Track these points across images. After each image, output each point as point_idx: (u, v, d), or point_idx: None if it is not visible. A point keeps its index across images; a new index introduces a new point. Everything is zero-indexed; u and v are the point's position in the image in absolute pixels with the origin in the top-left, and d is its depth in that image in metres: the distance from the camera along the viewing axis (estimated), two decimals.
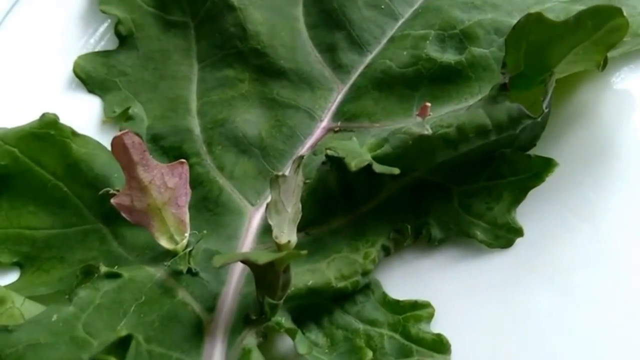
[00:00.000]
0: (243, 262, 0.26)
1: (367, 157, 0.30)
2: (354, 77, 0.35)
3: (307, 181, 0.29)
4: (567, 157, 0.32)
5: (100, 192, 0.31)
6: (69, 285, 0.30)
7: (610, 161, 0.33)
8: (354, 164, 0.29)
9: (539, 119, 0.29)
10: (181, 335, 0.28)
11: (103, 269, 0.29)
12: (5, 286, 0.30)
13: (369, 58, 0.35)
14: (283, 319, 0.29)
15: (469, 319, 0.30)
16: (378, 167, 0.30)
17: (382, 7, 0.36)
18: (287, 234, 0.28)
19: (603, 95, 0.34)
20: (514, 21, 0.31)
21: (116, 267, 0.30)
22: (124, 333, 0.27)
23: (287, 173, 0.29)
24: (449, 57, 0.33)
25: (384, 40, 0.36)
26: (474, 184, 0.31)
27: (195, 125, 0.35)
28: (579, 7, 0.32)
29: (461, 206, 0.31)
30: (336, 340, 0.30)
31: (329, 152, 0.31)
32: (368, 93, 0.34)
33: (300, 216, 0.29)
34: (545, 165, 0.31)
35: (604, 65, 0.27)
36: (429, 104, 0.29)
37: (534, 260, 0.31)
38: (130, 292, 0.29)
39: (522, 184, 0.31)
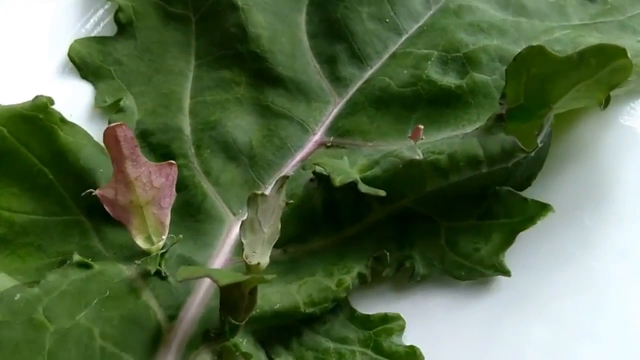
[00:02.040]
0: (209, 277, 0.25)
1: (353, 176, 0.29)
2: (351, 91, 0.34)
3: (290, 202, 0.28)
4: (566, 194, 0.31)
5: (83, 194, 0.30)
6: (38, 276, 0.29)
7: (609, 200, 0.31)
8: (338, 180, 0.28)
9: (532, 154, 0.27)
10: (137, 339, 0.27)
11: (76, 257, 0.29)
12: None
13: (368, 73, 0.34)
14: (244, 340, 0.28)
15: (442, 330, 0.30)
16: (364, 188, 0.28)
17: (387, 20, 0.35)
18: (259, 255, 0.27)
19: (605, 132, 0.33)
20: (519, 50, 0.30)
21: (90, 259, 0.29)
22: (83, 324, 0.27)
23: (270, 188, 0.28)
24: (450, 80, 0.32)
25: (386, 56, 0.34)
26: (464, 221, 0.30)
27: (186, 124, 0.34)
28: (590, 40, 0.31)
29: (448, 243, 0.30)
30: None
31: (317, 168, 0.30)
32: (364, 110, 0.33)
33: (277, 237, 0.28)
34: (540, 210, 0.29)
35: (606, 103, 0.26)
36: (421, 127, 0.28)
37: (524, 292, 0.30)
38: (97, 284, 0.28)
39: (513, 227, 0.29)
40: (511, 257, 0.30)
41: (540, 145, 0.27)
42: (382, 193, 0.28)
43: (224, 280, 0.25)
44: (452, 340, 0.30)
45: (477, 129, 0.28)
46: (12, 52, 0.37)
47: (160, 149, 0.33)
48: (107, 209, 0.29)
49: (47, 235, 0.31)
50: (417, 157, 0.28)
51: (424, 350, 0.29)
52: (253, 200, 0.27)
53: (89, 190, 0.29)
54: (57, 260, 0.30)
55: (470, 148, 0.27)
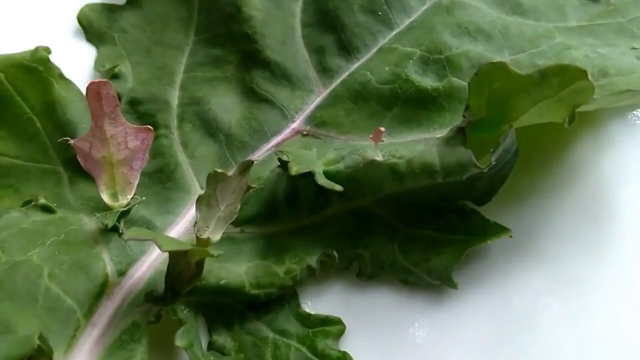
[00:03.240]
0: (154, 241, 0.26)
1: (312, 167, 0.29)
2: (336, 83, 0.34)
3: (254, 187, 0.28)
4: (561, 214, 0.31)
5: (60, 140, 0.31)
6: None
7: (606, 223, 0.31)
8: (295, 170, 0.29)
9: (488, 171, 0.27)
10: (82, 286, 0.28)
11: (41, 200, 0.30)
12: None
13: (355, 66, 0.34)
14: (186, 310, 0.29)
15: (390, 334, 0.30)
16: (321, 181, 0.29)
17: (379, 14, 0.34)
18: (212, 231, 0.28)
19: (604, 152, 0.32)
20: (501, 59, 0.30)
21: (56, 205, 0.31)
22: (34, 261, 0.28)
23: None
24: (427, 82, 0.32)
25: (374, 50, 0.34)
26: (421, 230, 0.30)
27: (174, 98, 0.34)
28: (575, 56, 0.31)
29: (401, 250, 0.30)
30: (244, 346, 0.29)
31: (281, 155, 0.30)
32: (343, 103, 0.33)
33: (235, 217, 0.28)
34: (497, 232, 0.29)
35: (570, 121, 0.25)
36: (382, 129, 0.28)
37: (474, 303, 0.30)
38: (57, 228, 0.30)
39: (465, 243, 0.29)
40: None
41: (494, 163, 0.27)
42: (339, 188, 0.28)
43: (167, 246, 0.25)
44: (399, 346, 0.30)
45: (439, 138, 0.28)
46: (29, 10, 0.39)
47: (146, 118, 0.34)
48: (80, 160, 0.30)
49: (26, 179, 0.32)
50: (378, 159, 0.28)
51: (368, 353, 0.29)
52: (213, 178, 0.27)
53: (65, 139, 0.30)
54: (28, 200, 0.31)
55: (428, 157, 0.27)
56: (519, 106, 0.26)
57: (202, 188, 0.32)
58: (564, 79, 0.24)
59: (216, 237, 0.28)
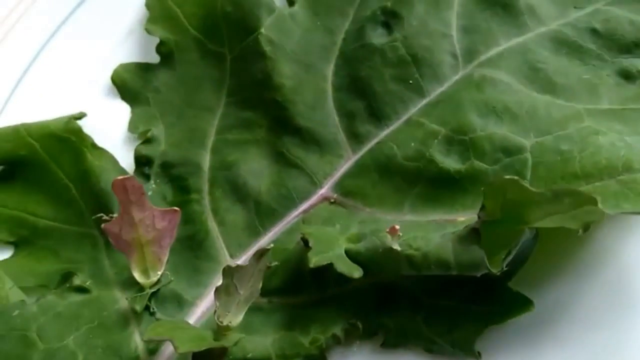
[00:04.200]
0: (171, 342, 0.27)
1: (331, 254, 0.30)
2: (365, 148, 0.34)
3: (274, 264, 0.29)
4: (583, 296, 0.31)
5: (94, 217, 0.33)
6: (52, 283, 0.33)
7: (628, 308, 0.31)
8: (314, 261, 0.29)
9: (497, 274, 0.27)
10: None
11: (77, 280, 0.32)
12: None
13: (384, 133, 0.34)
14: None
15: None
16: (340, 268, 0.29)
17: (410, 82, 0.34)
18: (232, 315, 0.29)
19: (626, 238, 0.32)
20: (526, 143, 0.30)
21: (89, 282, 0.32)
22: (70, 347, 0.30)
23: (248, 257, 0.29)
24: (450, 163, 0.32)
25: (404, 117, 0.34)
26: (445, 301, 0.30)
27: (205, 161, 0.35)
28: (601, 142, 0.30)
29: (425, 321, 0.31)
30: None
31: (303, 236, 0.31)
32: (369, 173, 0.33)
33: (257, 295, 0.30)
34: (519, 306, 0.29)
35: (584, 229, 0.25)
36: (397, 227, 0.28)
37: None
38: (91, 310, 0.31)
39: (487, 316, 0.30)
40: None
41: (505, 269, 0.27)
42: (357, 275, 0.29)
43: (182, 347, 0.27)
44: None
45: (454, 233, 0.28)
46: (66, 72, 0.39)
47: (177, 181, 0.35)
48: (111, 240, 0.32)
49: (63, 241, 0.34)
50: (395, 248, 0.29)
51: None
52: (227, 272, 0.28)
53: (100, 215, 0.32)
54: (64, 272, 0.33)
55: (443, 253, 0.28)
56: (532, 215, 0.26)
57: (231, 257, 0.33)
58: (575, 201, 0.24)
59: (236, 320, 0.29)
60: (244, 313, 0.29)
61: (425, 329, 0.31)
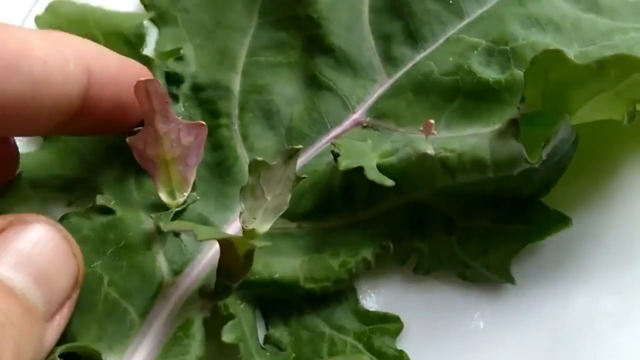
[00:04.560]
0: (192, 232, 0.26)
1: (363, 161, 0.28)
2: (400, 72, 0.32)
3: (303, 177, 0.28)
4: (625, 211, 0.29)
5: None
6: (73, 191, 0.32)
7: None
8: (344, 164, 0.28)
9: (536, 166, 0.25)
10: (139, 289, 0.29)
11: (100, 200, 0.31)
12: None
13: (420, 55, 0.32)
14: (240, 303, 0.29)
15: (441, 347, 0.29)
16: (371, 175, 0.28)
17: (450, 2, 0.32)
18: (258, 222, 0.27)
19: None
20: (570, 52, 0.27)
21: (113, 202, 0.31)
22: (97, 271, 0.29)
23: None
24: (490, 74, 0.30)
25: (442, 39, 0.32)
26: (478, 221, 0.29)
27: (236, 84, 0.34)
28: None
29: (459, 242, 0.29)
30: (300, 341, 0.29)
31: (333, 148, 0.29)
32: (404, 94, 0.32)
33: (285, 209, 0.28)
34: (557, 222, 0.28)
35: (630, 118, 0.23)
36: (432, 121, 0.27)
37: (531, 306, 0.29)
38: (116, 233, 0.30)
39: (524, 237, 0.28)
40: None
41: (544, 158, 0.25)
42: (390, 183, 0.27)
43: (202, 235, 0.25)
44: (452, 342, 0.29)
45: (492, 131, 0.26)
46: None
47: (207, 105, 0.34)
48: (136, 158, 0.31)
49: (94, 148, 0.33)
50: (429, 152, 0.27)
51: (421, 347, 0.28)
52: (254, 167, 0.27)
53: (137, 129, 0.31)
54: (87, 183, 0.32)
55: (479, 151, 0.26)
56: (575, 98, 0.24)
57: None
58: (622, 70, 0.22)
59: (264, 228, 0.28)
60: (271, 222, 0.28)
61: (459, 251, 0.29)
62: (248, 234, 0.27)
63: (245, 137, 0.33)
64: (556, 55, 0.23)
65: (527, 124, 0.25)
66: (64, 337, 0.26)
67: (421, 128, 0.27)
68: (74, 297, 0.26)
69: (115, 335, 0.27)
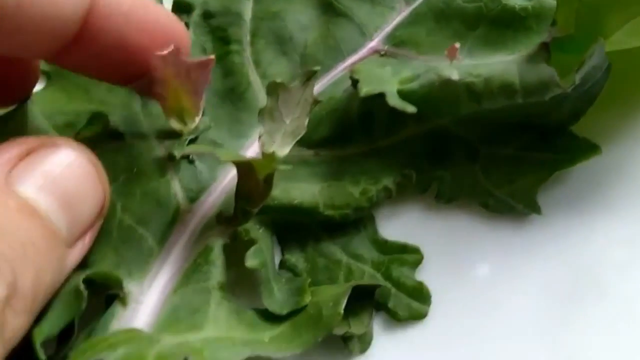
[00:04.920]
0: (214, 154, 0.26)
1: (384, 87, 0.27)
2: (419, 0, 0.32)
3: (319, 100, 0.27)
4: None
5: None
6: (80, 123, 0.31)
7: None
8: (364, 90, 0.27)
9: (569, 91, 0.25)
10: (155, 215, 0.28)
11: (110, 126, 0.30)
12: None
13: None
14: (260, 229, 0.28)
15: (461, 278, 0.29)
16: (392, 101, 0.27)
17: None
18: (277, 146, 0.27)
19: None
20: None
21: (124, 126, 0.30)
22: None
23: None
24: (516, 0, 0.29)
25: None
26: (503, 149, 0.29)
27: (247, 10, 0.33)
28: None
29: (483, 170, 0.29)
30: (316, 268, 0.29)
31: (352, 74, 0.29)
32: (425, 22, 0.31)
33: (303, 132, 0.28)
34: (586, 150, 0.27)
35: None
36: (457, 45, 0.26)
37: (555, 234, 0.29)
38: (126, 158, 0.29)
39: (553, 164, 0.28)
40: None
41: (578, 83, 0.24)
42: (412, 109, 0.27)
43: (225, 157, 0.25)
44: (473, 273, 0.29)
45: (521, 55, 0.26)
46: None
47: (217, 32, 0.33)
48: (142, 94, 0.30)
49: (98, 81, 0.31)
50: (453, 77, 0.26)
51: (440, 278, 0.28)
52: (273, 88, 0.26)
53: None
54: (93, 113, 0.30)
55: (507, 75, 0.25)
56: (611, 22, 0.23)
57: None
58: None
59: (283, 151, 0.27)
60: (290, 146, 0.27)
61: (482, 179, 0.29)
62: (268, 157, 0.27)
63: (257, 64, 0.32)
64: None
65: (558, 49, 0.24)
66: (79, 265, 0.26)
67: (445, 53, 0.27)
68: (97, 225, 0.25)
69: (133, 262, 0.27)
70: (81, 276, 0.24)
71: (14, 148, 0.23)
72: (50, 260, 0.22)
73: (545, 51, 0.24)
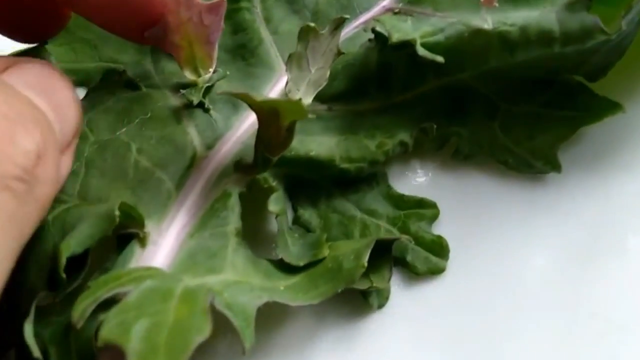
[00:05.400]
0: (247, 102, 0.25)
1: (413, 36, 0.27)
2: None
3: (343, 52, 0.27)
4: None
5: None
6: (92, 81, 0.30)
7: None
8: (395, 37, 0.27)
9: (613, 38, 0.25)
10: (172, 159, 0.27)
11: (125, 75, 0.29)
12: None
13: None
14: (272, 180, 0.27)
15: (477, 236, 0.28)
16: (422, 51, 0.27)
17: None
18: (302, 93, 0.26)
19: None
20: None
21: (138, 79, 0.29)
22: (122, 138, 0.27)
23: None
24: None
25: None
26: (524, 106, 0.29)
27: None
28: None
29: (502, 126, 0.29)
30: (330, 224, 0.28)
31: (376, 25, 0.28)
32: None
33: (324, 83, 0.27)
34: (609, 108, 0.27)
35: None
36: None
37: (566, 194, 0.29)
38: (141, 105, 0.28)
39: (576, 120, 0.28)
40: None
41: (623, 30, 0.25)
42: (440, 59, 0.27)
43: (260, 99, 0.24)
44: (490, 231, 0.29)
45: (560, 4, 0.26)
46: None
47: None
48: (157, 45, 0.28)
49: (106, 37, 0.31)
50: (486, 27, 0.26)
51: (457, 235, 0.28)
52: (305, 33, 0.26)
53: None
54: (107, 68, 0.30)
55: (546, 22, 0.25)
56: None
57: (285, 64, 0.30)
58: None
59: (307, 100, 0.27)
60: (313, 95, 0.27)
61: (501, 136, 0.29)
62: (295, 103, 0.26)
63: (268, 20, 0.32)
64: None
65: (597, 1, 0.25)
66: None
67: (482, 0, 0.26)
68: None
69: (151, 204, 0.26)
70: (110, 204, 0.22)
71: None
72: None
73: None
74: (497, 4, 0.26)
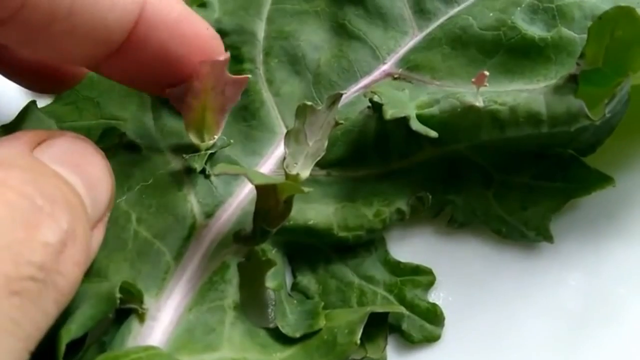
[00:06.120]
0: (245, 176, 0.26)
1: (407, 111, 0.28)
2: (432, 26, 0.32)
3: (341, 122, 0.27)
4: None
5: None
6: (93, 138, 0.29)
7: None
8: (390, 113, 0.28)
9: (597, 123, 0.25)
10: (171, 229, 0.28)
11: (125, 138, 0.30)
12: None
13: (454, 10, 0.32)
14: (273, 250, 0.28)
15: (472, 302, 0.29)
16: (415, 125, 0.28)
17: None
18: (300, 167, 0.27)
19: None
20: None
21: (139, 139, 0.30)
22: (122, 207, 0.28)
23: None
24: (535, 31, 0.30)
25: None
26: (517, 177, 0.29)
27: (260, 30, 0.33)
28: None
29: (496, 196, 0.29)
30: (328, 290, 0.29)
31: (374, 96, 0.29)
32: (440, 47, 0.32)
33: (322, 154, 0.28)
34: (600, 181, 0.28)
35: None
36: (486, 73, 0.26)
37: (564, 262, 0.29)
38: (142, 170, 0.29)
39: (567, 193, 0.28)
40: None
41: (608, 115, 0.25)
42: (433, 134, 0.27)
43: (257, 180, 0.25)
44: (485, 297, 0.29)
45: (546, 86, 0.26)
46: None
47: (231, 50, 0.31)
48: (171, 103, 0.29)
49: (108, 95, 0.32)
50: (477, 104, 0.27)
51: (451, 302, 0.29)
52: (302, 110, 0.26)
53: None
54: (107, 125, 0.30)
55: (534, 104, 0.26)
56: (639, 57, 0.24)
57: (287, 127, 0.31)
58: None
59: (305, 173, 0.28)
60: (310, 167, 0.27)
61: (495, 205, 0.29)
62: (292, 178, 0.27)
63: (270, 82, 0.32)
64: (627, 13, 0.23)
65: (584, 82, 0.25)
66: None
67: (473, 79, 0.27)
68: (107, 217, 0.25)
69: (150, 277, 0.26)
70: (111, 283, 0.23)
71: (27, 134, 0.23)
72: (87, 228, 0.22)
73: (573, 83, 0.25)
74: (487, 84, 0.27)
